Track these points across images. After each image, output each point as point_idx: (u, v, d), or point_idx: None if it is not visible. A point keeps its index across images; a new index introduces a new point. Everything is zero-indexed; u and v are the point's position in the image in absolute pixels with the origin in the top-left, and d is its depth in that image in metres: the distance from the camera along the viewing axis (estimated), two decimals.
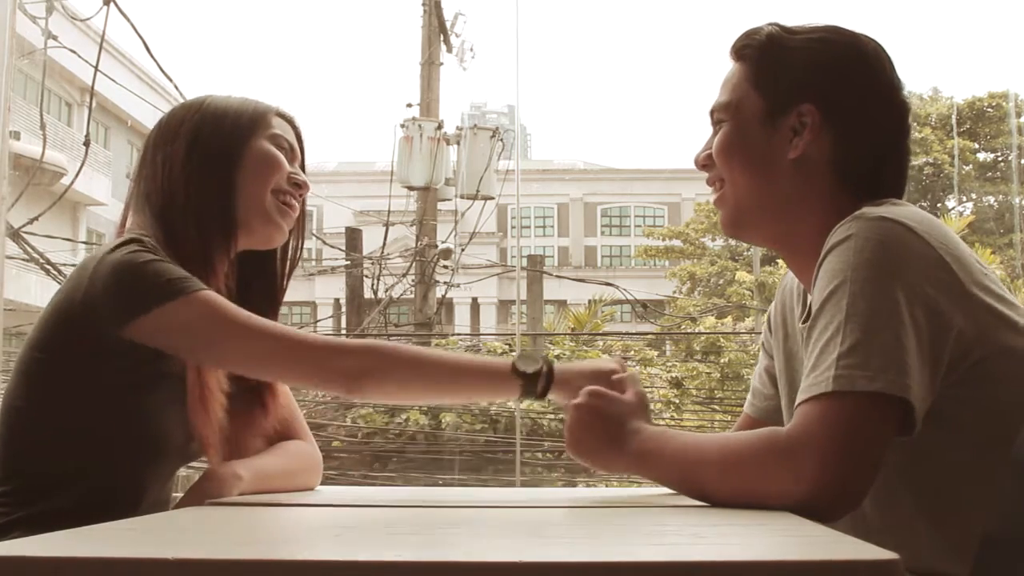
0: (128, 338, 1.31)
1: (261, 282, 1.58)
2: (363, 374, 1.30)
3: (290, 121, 1.56)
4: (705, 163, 1.39)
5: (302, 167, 1.57)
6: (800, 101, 1.30)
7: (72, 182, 6.07)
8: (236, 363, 1.35)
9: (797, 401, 1.12)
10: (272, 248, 1.56)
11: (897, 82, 1.33)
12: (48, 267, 5.98)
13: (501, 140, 9.59)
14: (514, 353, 1.33)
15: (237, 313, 1.32)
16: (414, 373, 1.32)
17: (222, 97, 1.55)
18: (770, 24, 1.36)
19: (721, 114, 1.37)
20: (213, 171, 1.46)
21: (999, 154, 21.97)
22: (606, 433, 1.24)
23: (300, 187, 1.53)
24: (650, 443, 1.21)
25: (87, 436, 1.35)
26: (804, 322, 1.37)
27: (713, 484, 1.14)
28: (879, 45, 1.35)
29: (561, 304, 16.06)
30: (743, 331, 13.35)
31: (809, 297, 1.38)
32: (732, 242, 21.34)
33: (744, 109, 1.34)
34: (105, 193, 18.52)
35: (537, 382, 1.33)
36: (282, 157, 1.51)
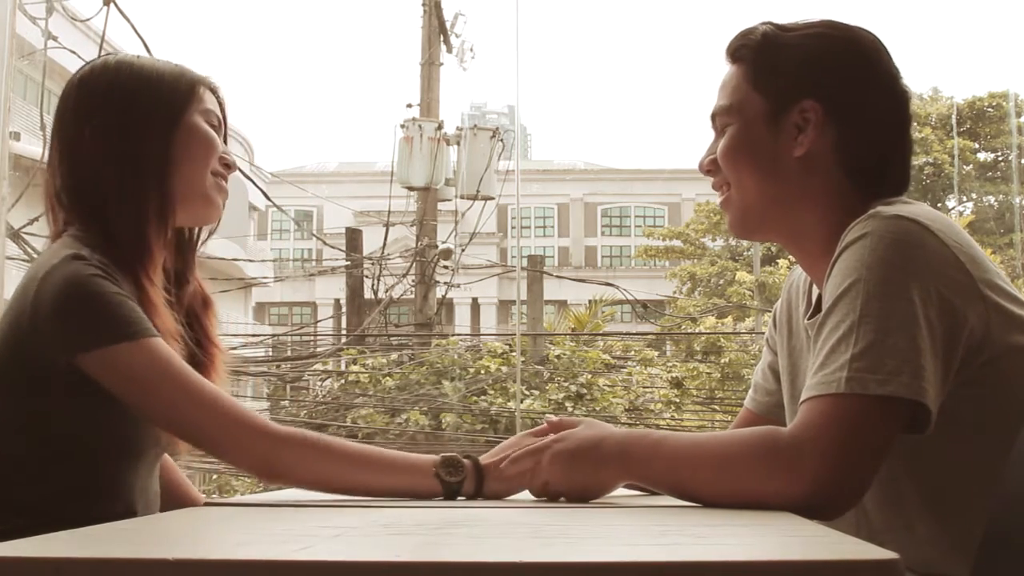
0: (76, 366, 1.27)
1: (178, 245, 1.52)
2: (288, 468, 1.27)
3: (215, 91, 1.49)
4: (710, 168, 1.38)
5: (224, 140, 1.51)
6: (801, 98, 1.30)
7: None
8: (169, 423, 1.30)
9: (803, 397, 1.12)
10: (207, 226, 1.53)
11: (896, 71, 1.33)
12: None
13: (501, 140, 9.60)
14: (441, 454, 1.32)
15: (182, 370, 1.28)
16: (335, 468, 1.28)
17: (147, 62, 1.46)
18: (764, 23, 1.36)
19: (724, 118, 1.36)
20: (147, 152, 1.40)
21: (999, 154, 21.98)
22: (587, 458, 1.21)
23: (230, 167, 1.48)
24: (637, 449, 1.19)
25: (62, 455, 1.32)
26: (809, 318, 1.36)
27: (710, 486, 1.13)
28: (875, 36, 1.34)
29: (561, 304, 16.06)
30: (743, 331, 13.35)
31: (815, 293, 1.38)
32: (732, 242, 21.36)
33: (746, 111, 1.34)
34: None
35: (461, 485, 1.29)
36: (215, 136, 1.46)
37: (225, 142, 1.51)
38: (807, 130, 1.30)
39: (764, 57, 1.33)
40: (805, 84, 1.30)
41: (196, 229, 1.55)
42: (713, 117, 1.38)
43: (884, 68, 1.32)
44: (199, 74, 1.48)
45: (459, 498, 1.30)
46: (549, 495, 1.25)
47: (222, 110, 1.51)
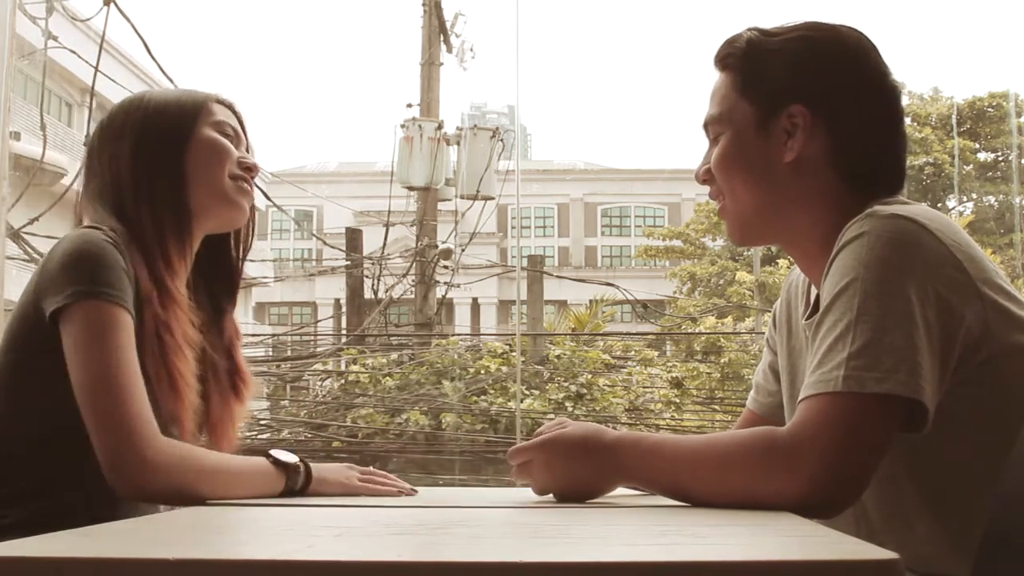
0: (56, 325, 1.29)
1: (221, 268, 1.60)
2: (144, 493, 1.26)
3: (230, 107, 1.57)
4: (705, 178, 1.38)
5: (247, 148, 1.58)
6: (789, 103, 1.29)
7: (72, 182, 6.06)
8: (76, 389, 1.27)
9: (801, 396, 1.12)
10: (235, 229, 1.59)
11: (883, 67, 1.32)
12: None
13: (501, 140, 9.59)
14: (272, 450, 1.37)
15: (121, 348, 1.28)
16: (201, 485, 1.27)
17: (160, 91, 1.57)
18: (749, 29, 1.36)
19: (715, 127, 1.36)
20: (161, 165, 1.47)
21: (999, 154, 21.97)
22: (582, 464, 1.20)
23: (251, 169, 1.54)
24: (634, 453, 1.19)
25: (65, 438, 1.32)
26: (807, 318, 1.37)
27: (708, 487, 1.13)
28: (860, 34, 1.34)
29: (561, 304, 16.05)
30: (743, 331, 13.35)
31: (813, 292, 1.38)
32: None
33: (736, 119, 1.33)
34: None
35: (297, 476, 1.36)
36: (228, 143, 1.52)
37: (248, 149, 1.57)
38: (796, 135, 1.29)
39: (750, 64, 1.33)
40: (791, 89, 1.30)
41: (237, 253, 1.62)
42: (705, 126, 1.38)
43: (870, 66, 1.32)
44: (208, 92, 1.56)
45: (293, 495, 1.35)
46: (541, 492, 1.25)
47: (240, 122, 1.57)
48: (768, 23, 1.37)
